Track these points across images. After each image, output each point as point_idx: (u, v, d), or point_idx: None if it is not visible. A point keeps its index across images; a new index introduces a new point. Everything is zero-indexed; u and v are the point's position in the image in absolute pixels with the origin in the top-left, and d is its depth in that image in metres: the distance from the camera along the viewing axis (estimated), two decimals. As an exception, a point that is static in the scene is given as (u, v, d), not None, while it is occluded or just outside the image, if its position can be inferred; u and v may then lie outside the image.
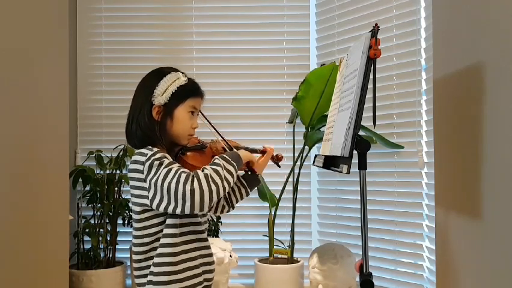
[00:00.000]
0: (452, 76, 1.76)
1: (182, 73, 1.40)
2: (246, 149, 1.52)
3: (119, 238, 2.93)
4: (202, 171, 1.24)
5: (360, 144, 1.20)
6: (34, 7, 2.18)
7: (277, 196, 2.84)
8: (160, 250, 1.30)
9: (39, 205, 2.16)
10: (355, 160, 1.17)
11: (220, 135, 1.46)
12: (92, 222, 2.85)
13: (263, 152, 1.55)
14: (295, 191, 2.81)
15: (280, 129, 3.11)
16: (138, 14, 3.16)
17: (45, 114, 2.22)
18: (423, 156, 2.45)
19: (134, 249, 1.34)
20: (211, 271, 1.41)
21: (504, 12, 1.38)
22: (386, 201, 2.65)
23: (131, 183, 1.32)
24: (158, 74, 1.37)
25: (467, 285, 1.63)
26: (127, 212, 2.90)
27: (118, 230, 2.91)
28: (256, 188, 1.63)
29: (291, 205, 2.83)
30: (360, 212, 1.23)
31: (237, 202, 1.55)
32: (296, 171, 2.80)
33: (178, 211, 1.20)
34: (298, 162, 2.81)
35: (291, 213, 2.83)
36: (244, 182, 1.53)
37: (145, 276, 1.32)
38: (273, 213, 2.83)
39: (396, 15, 2.62)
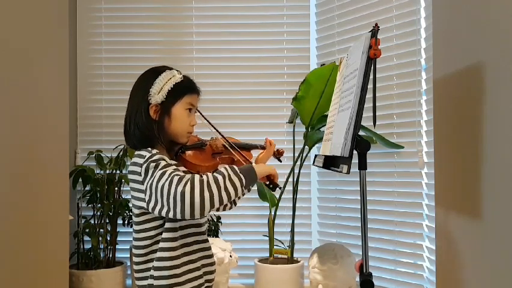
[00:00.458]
0: (452, 76, 1.76)
1: (177, 71, 1.39)
2: (246, 145, 1.52)
3: (119, 238, 2.93)
4: (201, 176, 1.21)
5: (360, 144, 1.20)
6: (34, 7, 2.18)
7: (277, 196, 2.84)
8: (159, 254, 1.30)
9: (39, 205, 2.16)
10: (355, 160, 1.17)
11: (219, 133, 1.45)
12: (92, 222, 2.85)
13: (264, 147, 1.55)
14: (295, 191, 2.81)
15: (280, 129, 3.11)
16: (138, 14, 3.16)
17: (45, 114, 2.22)
18: (423, 156, 2.45)
19: (134, 251, 1.33)
20: (212, 272, 1.41)
21: (504, 12, 1.38)
22: (386, 201, 2.65)
23: (131, 185, 1.32)
24: (153, 73, 1.36)
25: (467, 285, 1.63)
26: (127, 212, 2.90)
27: (118, 230, 2.91)
28: (256, 187, 1.62)
29: (291, 205, 2.83)
30: (360, 212, 1.23)
31: (239, 199, 1.55)
32: (296, 171, 2.80)
33: (171, 215, 1.17)
34: (298, 162, 2.81)
35: (291, 213, 2.83)
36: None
37: (145, 278, 1.32)
38: (273, 213, 2.83)
39: (396, 15, 2.62)
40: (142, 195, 1.26)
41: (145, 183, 1.23)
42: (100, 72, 3.15)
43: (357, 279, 1.60)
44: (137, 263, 1.33)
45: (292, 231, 2.81)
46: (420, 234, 2.48)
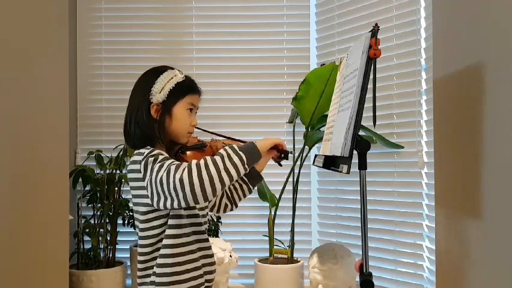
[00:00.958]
0: (452, 76, 1.76)
1: (179, 71, 1.39)
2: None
3: (119, 238, 2.93)
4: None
5: (360, 144, 1.20)
6: (34, 7, 2.18)
7: (277, 196, 2.84)
8: (162, 251, 1.30)
9: (39, 205, 2.16)
10: (355, 160, 1.17)
11: (219, 135, 1.45)
12: (92, 222, 2.85)
13: None
14: (295, 191, 2.81)
15: (280, 129, 3.11)
16: (138, 14, 3.16)
17: (45, 114, 2.22)
18: (423, 156, 2.45)
19: (139, 250, 1.34)
20: (212, 272, 1.41)
21: (504, 12, 1.38)
22: (386, 201, 2.65)
23: (131, 184, 1.32)
24: (155, 73, 1.36)
25: (468, 285, 1.63)
26: (127, 212, 2.90)
27: (118, 230, 2.91)
28: (256, 187, 1.62)
29: (291, 205, 2.83)
30: (360, 212, 1.23)
31: (240, 200, 1.55)
32: (296, 171, 2.80)
33: (176, 204, 1.17)
34: (298, 162, 2.81)
35: (291, 213, 2.83)
36: (245, 178, 1.52)
37: (148, 276, 1.32)
38: (273, 213, 2.83)
39: (396, 15, 2.62)
40: (144, 192, 1.26)
41: (146, 179, 1.23)
42: (100, 72, 3.16)
43: (357, 279, 1.60)
44: (142, 262, 1.33)
45: (292, 231, 2.81)
46: (420, 234, 2.48)
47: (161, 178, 1.18)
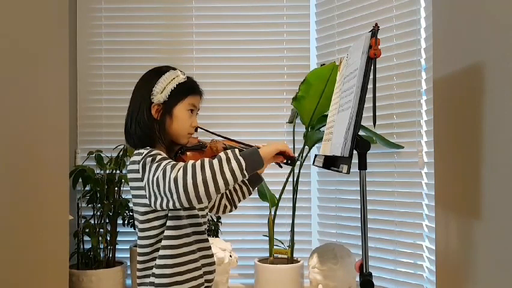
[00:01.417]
0: (452, 76, 1.76)
1: (181, 71, 1.39)
2: (245, 147, 1.52)
3: (119, 238, 2.93)
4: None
5: (360, 144, 1.20)
6: (34, 7, 2.17)
7: (277, 196, 2.84)
8: (161, 252, 1.30)
9: (39, 205, 2.16)
10: (355, 160, 1.17)
11: (219, 135, 1.45)
12: (92, 222, 2.85)
13: None
14: (295, 191, 2.81)
15: (280, 129, 3.11)
16: (138, 14, 3.16)
17: (45, 114, 2.22)
18: (423, 156, 2.45)
19: (139, 250, 1.34)
20: (211, 272, 1.41)
21: (504, 12, 1.38)
22: (386, 201, 2.65)
23: (131, 184, 1.32)
24: (157, 73, 1.36)
25: (468, 285, 1.63)
26: (127, 212, 2.90)
27: (117, 230, 2.91)
28: (256, 188, 1.62)
29: (291, 205, 2.83)
30: (360, 212, 1.23)
31: (239, 201, 1.54)
32: (296, 171, 2.80)
33: (171, 205, 1.16)
34: (298, 162, 2.81)
35: (291, 213, 2.83)
36: (245, 180, 1.52)
37: (148, 276, 1.32)
38: (273, 213, 2.83)
39: (396, 15, 2.62)
40: (143, 192, 1.25)
41: (144, 179, 1.23)
42: (100, 72, 3.15)
43: (357, 279, 1.60)
44: (141, 262, 1.33)
45: (292, 231, 2.81)
46: (420, 234, 2.48)
47: (157, 178, 1.17)
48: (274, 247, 2.83)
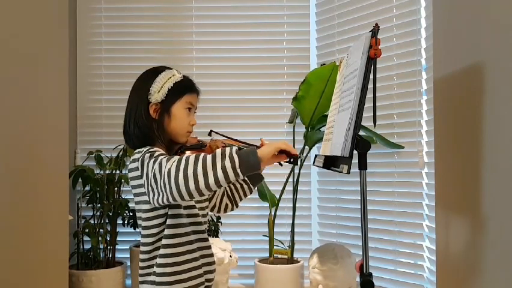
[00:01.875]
0: (452, 76, 1.76)
1: (177, 71, 1.40)
2: (245, 146, 1.51)
3: (119, 238, 2.93)
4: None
5: (361, 144, 1.20)
6: (34, 7, 2.17)
7: (277, 196, 2.83)
8: (162, 251, 1.30)
9: (39, 205, 2.16)
10: (355, 160, 1.17)
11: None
12: (92, 222, 2.84)
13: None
14: (295, 191, 2.81)
15: (280, 129, 3.10)
16: (138, 14, 3.16)
17: (45, 114, 2.21)
18: (424, 156, 2.45)
19: (141, 248, 1.34)
20: (212, 271, 1.41)
21: (504, 12, 1.38)
22: (386, 201, 2.64)
23: (132, 182, 1.32)
24: (153, 73, 1.37)
25: (468, 285, 1.63)
26: (126, 212, 2.90)
27: (117, 230, 2.91)
28: (256, 188, 1.62)
29: (291, 205, 2.83)
30: (360, 212, 1.23)
31: (240, 200, 1.55)
32: (296, 171, 2.80)
33: (166, 200, 1.15)
34: (299, 162, 2.80)
35: (291, 213, 2.82)
36: (246, 178, 1.52)
37: (149, 275, 1.33)
38: (273, 213, 2.83)
39: (396, 15, 2.61)
40: (144, 190, 1.26)
41: (143, 176, 1.23)
42: (100, 72, 3.15)
43: (358, 279, 1.60)
44: (143, 260, 1.33)
45: (292, 231, 2.81)
46: (421, 235, 2.48)
47: (154, 173, 1.17)
48: (274, 247, 2.83)
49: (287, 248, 2.83)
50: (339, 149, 1.25)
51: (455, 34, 1.74)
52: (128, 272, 2.95)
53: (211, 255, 1.42)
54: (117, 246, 2.92)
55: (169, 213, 1.31)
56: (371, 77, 1.23)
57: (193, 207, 1.37)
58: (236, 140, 1.40)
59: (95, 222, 2.85)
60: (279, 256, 2.83)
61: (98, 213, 2.85)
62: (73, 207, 2.76)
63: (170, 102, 1.35)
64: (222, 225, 2.97)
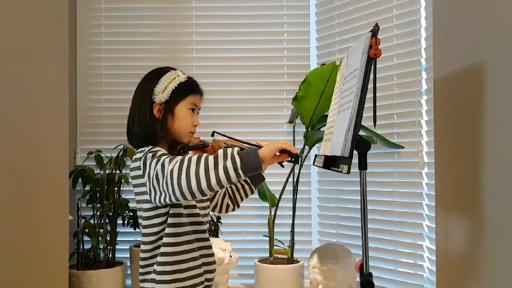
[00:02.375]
0: (452, 76, 1.76)
1: (181, 71, 1.40)
2: (246, 147, 1.52)
3: (119, 238, 2.93)
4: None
5: (361, 144, 1.20)
6: (34, 7, 2.17)
7: (277, 196, 2.83)
8: (162, 250, 1.31)
9: (39, 205, 2.16)
10: (355, 160, 1.17)
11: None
12: (92, 222, 2.84)
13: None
14: (295, 191, 2.81)
15: (280, 129, 3.10)
16: (138, 14, 3.16)
17: (45, 114, 2.22)
18: (424, 156, 2.45)
19: (141, 247, 1.35)
20: (212, 271, 1.42)
21: (504, 12, 1.38)
22: (386, 201, 2.64)
23: (133, 182, 1.33)
24: (158, 73, 1.38)
25: (468, 285, 1.63)
26: (126, 212, 2.90)
27: (117, 230, 2.91)
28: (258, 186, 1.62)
29: (291, 205, 2.83)
30: (360, 212, 1.23)
31: (242, 200, 1.55)
32: (296, 171, 2.80)
33: (168, 199, 1.16)
34: (299, 161, 2.80)
35: (291, 213, 2.82)
36: (247, 179, 1.52)
37: (149, 273, 1.33)
38: (273, 213, 2.83)
39: (396, 15, 2.61)
40: (144, 189, 1.26)
41: (145, 175, 1.24)
42: (100, 72, 3.15)
43: (358, 279, 1.60)
44: (143, 259, 1.34)
45: (292, 231, 2.81)
46: (421, 235, 2.48)
47: (156, 172, 1.18)
48: (274, 247, 2.83)
49: (287, 248, 2.83)
50: (339, 149, 1.25)
51: (455, 34, 1.74)
52: (128, 272, 2.95)
53: (212, 255, 1.42)
54: (117, 246, 2.92)
55: (170, 212, 1.31)
56: (371, 77, 1.23)
57: (194, 206, 1.38)
58: (238, 141, 1.41)
59: (95, 222, 2.85)
60: (279, 256, 2.83)
61: (98, 213, 2.85)
62: (73, 207, 2.76)
63: (174, 103, 1.35)
64: (222, 225, 2.97)
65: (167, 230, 1.31)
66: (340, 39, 2.95)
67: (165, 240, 1.31)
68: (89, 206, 2.85)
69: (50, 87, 2.26)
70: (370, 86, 1.22)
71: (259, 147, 1.21)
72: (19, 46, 2.07)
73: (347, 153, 1.21)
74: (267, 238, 2.84)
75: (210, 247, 1.42)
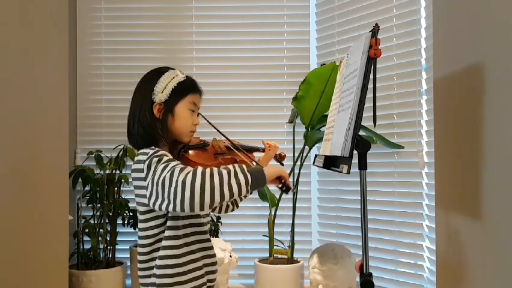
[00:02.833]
0: (452, 76, 1.76)
1: (180, 71, 1.40)
2: (246, 147, 1.52)
3: (119, 238, 2.93)
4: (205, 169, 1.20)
5: (361, 144, 1.20)
6: (34, 7, 2.17)
7: (277, 196, 2.83)
8: (162, 252, 1.30)
9: (39, 205, 2.16)
10: (355, 160, 1.17)
11: (222, 133, 1.46)
12: (92, 222, 2.84)
13: (264, 150, 1.55)
14: (295, 191, 2.81)
15: (280, 129, 3.10)
16: (138, 14, 3.16)
17: (45, 114, 2.22)
18: (424, 156, 2.45)
19: (138, 249, 1.34)
20: (213, 272, 1.41)
21: (504, 12, 1.38)
22: (386, 201, 2.64)
23: (134, 183, 1.32)
24: (157, 73, 1.38)
25: (468, 285, 1.63)
26: (126, 212, 2.90)
27: (117, 230, 2.91)
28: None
29: (291, 205, 2.83)
30: (360, 212, 1.23)
31: (241, 201, 1.55)
32: (296, 171, 2.80)
33: (171, 208, 1.16)
34: (298, 162, 2.81)
35: (291, 213, 2.82)
36: None
37: (149, 276, 1.32)
38: (273, 213, 2.83)
39: (396, 15, 2.61)
40: (144, 192, 1.26)
41: (148, 179, 1.23)
42: (100, 72, 3.15)
43: (358, 279, 1.60)
44: (141, 261, 1.33)
45: (292, 231, 2.81)
46: (421, 235, 2.48)
47: (163, 179, 1.17)
48: (274, 247, 2.83)
49: (287, 248, 2.83)
50: (339, 149, 1.26)
51: (455, 34, 1.74)
52: (128, 272, 2.95)
53: (213, 255, 1.42)
54: (117, 246, 2.92)
55: (169, 214, 1.30)
56: (371, 77, 1.23)
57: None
58: (238, 147, 1.42)
59: (95, 222, 2.85)
60: (279, 256, 2.83)
61: (98, 213, 2.85)
62: (73, 207, 2.76)
63: (174, 102, 1.35)
64: (222, 225, 2.97)
65: (167, 233, 1.30)
66: (340, 39, 2.95)
67: (165, 243, 1.30)
68: (89, 206, 2.85)
69: (50, 87, 2.26)
70: (370, 86, 1.22)
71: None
72: (19, 46, 2.06)
73: (347, 153, 1.21)
74: (267, 238, 2.84)
75: (211, 248, 1.42)
